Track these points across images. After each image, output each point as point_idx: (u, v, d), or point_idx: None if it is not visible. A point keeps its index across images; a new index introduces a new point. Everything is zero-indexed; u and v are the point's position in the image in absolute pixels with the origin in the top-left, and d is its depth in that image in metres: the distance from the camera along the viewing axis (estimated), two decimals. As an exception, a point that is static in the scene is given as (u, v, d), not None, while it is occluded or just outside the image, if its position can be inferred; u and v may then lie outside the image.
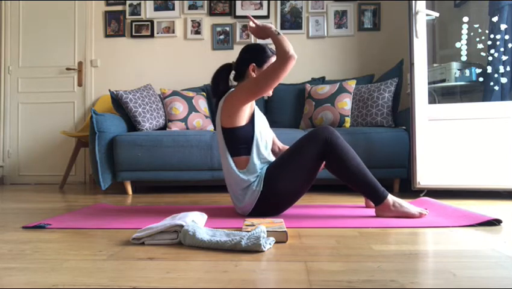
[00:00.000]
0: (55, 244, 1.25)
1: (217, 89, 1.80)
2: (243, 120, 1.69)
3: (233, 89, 1.71)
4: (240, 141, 1.69)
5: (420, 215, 1.62)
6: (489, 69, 2.55)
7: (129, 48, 3.86)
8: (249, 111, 1.71)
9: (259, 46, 1.78)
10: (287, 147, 2.02)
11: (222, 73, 1.80)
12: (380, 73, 3.43)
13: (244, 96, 1.64)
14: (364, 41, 3.70)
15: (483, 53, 2.60)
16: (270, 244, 1.17)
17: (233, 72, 1.82)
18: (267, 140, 1.77)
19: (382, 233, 1.37)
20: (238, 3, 3.76)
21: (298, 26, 3.75)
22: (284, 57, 1.56)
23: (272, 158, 1.78)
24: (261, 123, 1.76)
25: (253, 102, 1.76)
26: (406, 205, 1.64)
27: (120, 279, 0.90)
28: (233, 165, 1.69)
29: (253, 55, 1.75)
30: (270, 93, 1.76)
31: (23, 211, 2.05)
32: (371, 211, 1.81)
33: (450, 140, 2.35)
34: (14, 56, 3.95)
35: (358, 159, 1.66)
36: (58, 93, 3.90)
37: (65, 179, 3.42)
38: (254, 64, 1.73)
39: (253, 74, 1.73)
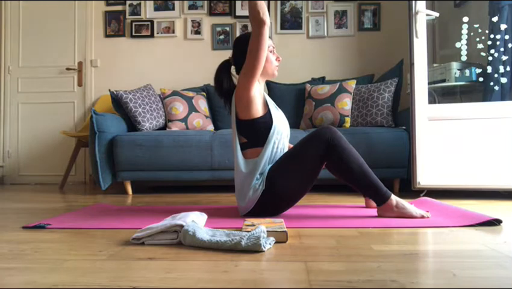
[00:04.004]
0: (55, 244, 1.25)
1: (222, 88, 1.80)
2: (259, 109, 1.71)
3: None
4: (260, 131, 1.70)
5: (422, 218, 1.61)
6: (489, 69, 2.55)
7: (129, 48, 3.86)
8: (261, 99, 1.73)
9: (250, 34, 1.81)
10: (291, 145, 2.04)
11: (223, 70, 1.81)
12: (381, 73, 3.42)
13: (245, 79, 1.67)
14: (364, 41, 3.70)
15: (483, 53, 2.60)
16: (270, 244, 1.17)
17: (233, 67, 1.83)
18: (286, 131, 1.79)
19: (382, 233, 1.37)
20: (238, 3, 3.76)
21: (298, 26, 3.75)
22: (255, 24, 1.61)
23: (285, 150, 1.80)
24: (278, 114, 1.77)
25: (262, 91, 1.78)
26: (409, 206, 1.64)
27: (120, 279, 0.90)
28: (242, 161, 1.71)
29: (247, 42, 1.76)
30: (275, 74, 1.80)
31: (23, 211, 2.05)
32: (372, 211, 1.81)
33: (450, 140, 2.34)
34: (14, 56, 3.95)
35: (360, 160, 1.66)
36: (58, 93, 3.90)
37: (65, 179, 3.42)
38: None
39: None
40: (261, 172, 1.69)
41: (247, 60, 1.65)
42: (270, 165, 1.71)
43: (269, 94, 3.41)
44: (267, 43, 1.65)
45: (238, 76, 1.81)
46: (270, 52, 1.78)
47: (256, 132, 1.70)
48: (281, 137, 1.74)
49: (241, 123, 1.73)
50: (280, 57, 1.83)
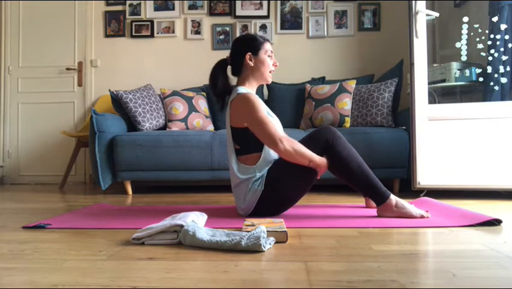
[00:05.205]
0: (55, 244, 1.25)
1: (216, 87, 1.79)
2: None
3: (240, 91, 1.72)
4: (252, 139, 1.69)
5: (422, 218, 1.61)
6: (489, 69, 2.55)
7: (129, 48, 3.86)
8: None
9: (250, 36, 1.83)
10: None
11: (218, 70, 1.80)
12: (381, 73, 3.42)
13: (243, 121, 1.70)
14: (364, 41, 3.70)
15: (483, 53, 2.60)
16: (270, 244, 1.17)
17: (229, 67, 1.83)
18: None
19: (382, 233, 1.37)
20: (238, 3, 3.76)
21: (298, 26, 3.75)
22: (300, 160, 1.62)
23: None
24: (272, 121, 1.76)
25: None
26: (408, 206, 1.64)
27: (120, 279, 0.90)
28: (237, 165, 1.71)
29: (246, 44, 1.78)
30: (269, 80, 1.82)
31: (23, 211, 2.05)
32: (372, 211, 1.81)
33: (450, 140, 2.34)
34: (14, 56, 3.95)
35: (359, 160, 1.66)
36: (58, 93, 3.89)
37: (65, 179, 3.42)
38: (250, 53, 1.76)
39: (251, 63, 1.76)
40: (261, 175, 1.69)
41: (255, 125, 1.66)
42: (269, 166, 1.71)
43: (269, 94, 3.41)
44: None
45: (238, 78, 1.83)
46: (268, 56, 1.79)
47: (249, 140, 1.70)
48: None
49: (235, 130, 1.73)
50: (277, 62, 1.83)
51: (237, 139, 1.73)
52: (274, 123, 1.74)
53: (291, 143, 1.62)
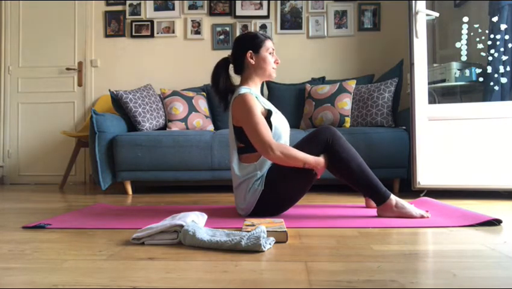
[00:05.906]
0: (55, 244, 1.25)
1: (218, 86, 1.79)
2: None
3: (241, 91, 1.71)
4: None
5: (422, 218, 1.61)
6: (489, 69, 2.55)
7: (129, 48, 3.86)
8: (259, 109, 1.72)
9: (251, 34, 1.82)
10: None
11: (220, 69, 1.80)
12: (381, 73, 3.42)
13: (239, 121, 1.70)
14: (364, 41, 3.70)
15: (483, 53, 2.60)
16: (270, 244, 1.17)
17: (231, 66, 1.82)
18: (286, 132, 1.79)
19: (382, 233, 1.37)
20: (238, 3, 3.76)
21: (298, 26, 3.75)
22: (294, 164, 1.62)
23: None
24: (277, 117, 1.76)
25: (258, 96, 1.77)
26: (408, 206, 1.64)
27: (120, 279, 0.90)
28: (238, 165, 1.71)
29: (247, 43, 1.78)
30: (273, 75, 1.81)
31: (23, 211, 2.05)
32: (372, 211, 1.81)
33: (450, 140, 2.34)
34: (14, 56, 3.95)
35: (359, 159, 1.66)
36: (58, 93, 3.89)
37: (65, 179, 3.42)
38: (251, 51, 1.76)
39: (252, 62, 1.75)
40: (261, 174, 1.69)
41: (250, 129, 1.65)
42: (270, 166, 1.71)
43: (269, 94, 3.41)
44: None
45: (241, 77, 1.82)
46: (270, 54, 1.78)
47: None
48: (280, 140, 1.73)
49: (237, 129, 1.72)
50: (279, 60, 1.82)
51: (240, 138, 1.72)
52: (278, 118, 1.74)
53: (281, 149, 1.60)
